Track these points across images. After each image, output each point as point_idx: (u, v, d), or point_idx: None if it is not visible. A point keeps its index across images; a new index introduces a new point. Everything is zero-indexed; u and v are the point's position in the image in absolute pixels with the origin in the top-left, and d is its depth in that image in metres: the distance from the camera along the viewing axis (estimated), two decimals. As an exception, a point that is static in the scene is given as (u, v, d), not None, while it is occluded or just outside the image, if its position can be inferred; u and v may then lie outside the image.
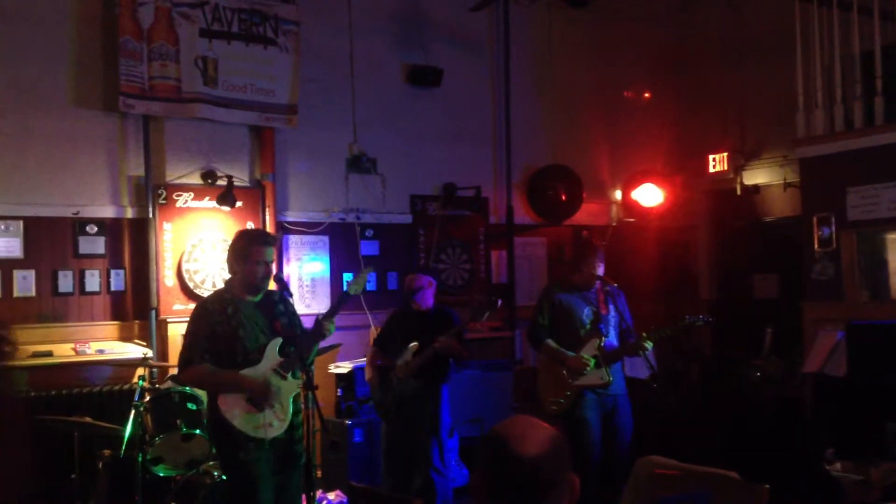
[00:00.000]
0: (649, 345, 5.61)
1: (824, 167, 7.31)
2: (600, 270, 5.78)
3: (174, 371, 5.90)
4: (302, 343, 4.51)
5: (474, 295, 8.08)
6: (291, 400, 4.48)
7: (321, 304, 7.47)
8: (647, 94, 9.34)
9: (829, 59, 7.26)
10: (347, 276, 7.68)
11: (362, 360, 6.94)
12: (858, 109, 7.05)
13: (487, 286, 8.48)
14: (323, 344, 4.87)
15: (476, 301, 6.89)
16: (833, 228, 7.22)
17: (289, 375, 4.46)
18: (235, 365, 4.39)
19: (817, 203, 7.38)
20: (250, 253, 4.48)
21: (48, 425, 5.54)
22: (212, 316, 4.43)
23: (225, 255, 4.51)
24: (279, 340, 4.48)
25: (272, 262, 4.57)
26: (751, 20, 8.73)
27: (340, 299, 4.74)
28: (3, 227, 6.36)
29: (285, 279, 6.39)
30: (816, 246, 7.34)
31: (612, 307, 5.79)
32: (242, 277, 4.51)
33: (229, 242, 4.70)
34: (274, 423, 4.39)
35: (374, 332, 7.57)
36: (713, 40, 9.18)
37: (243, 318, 4.44)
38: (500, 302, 6.08)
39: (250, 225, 7.10)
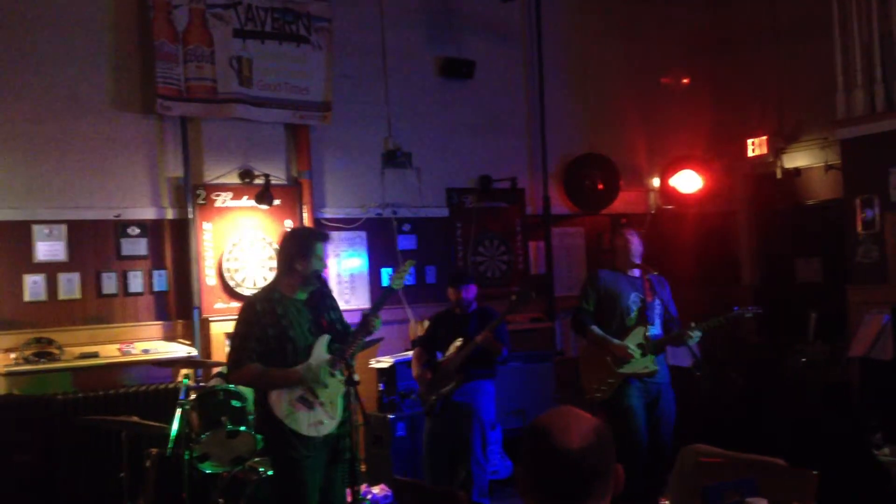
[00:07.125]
0: (696, 335, 5.51)
1: (866, 148, 7.20)
2: (638, 252, 5.73)
3: (218, 369, 5.96)
4: (349, 339, 4.52)
5: (511, 287, 8.05)
6: (341, 397, 4.49)
7: (360, 300, 7.51)
8: (685, 80, 9.22)
9: (867, 38, 7.14)
10: (387, 271, 7.71)
11: (402, 355, 6.96)
12: (899, 88, 6.94)
13: (526, 277, 8.46)
14: (367, 339, 4.90)
15: (513, 293, 6.91)
16: (876, 210, 7.10)
17: (336, 373, 4.46)
18: (285, 364, 4.40)
19: (859, 185, 7.27)
20: (314, 248, 4.51)
21: (96, 425, 5.63)
22: (262, 317, 4.41)
23: (265, 253, 4.54)
24: (326, 337, 4.48)
25: (326, 257, 4.64)
26: None
27: (384, 294, 4.81)
28: (46, 231, 6.46)
29: (323, 275, 6.42)
30: (860, 228, 7.23)
31: (656, 296, 5.73)
32: (303, 273, 4.49)
33: (276, 241, 4.73)
34: (325, 422, 4.40)
35: (413, 326, 7.59)
36: (749, 22, 9.05)
37: (292, 317, 4.45)
38: (532, 294, 6.15)
39: (288, 223, 7.14)
